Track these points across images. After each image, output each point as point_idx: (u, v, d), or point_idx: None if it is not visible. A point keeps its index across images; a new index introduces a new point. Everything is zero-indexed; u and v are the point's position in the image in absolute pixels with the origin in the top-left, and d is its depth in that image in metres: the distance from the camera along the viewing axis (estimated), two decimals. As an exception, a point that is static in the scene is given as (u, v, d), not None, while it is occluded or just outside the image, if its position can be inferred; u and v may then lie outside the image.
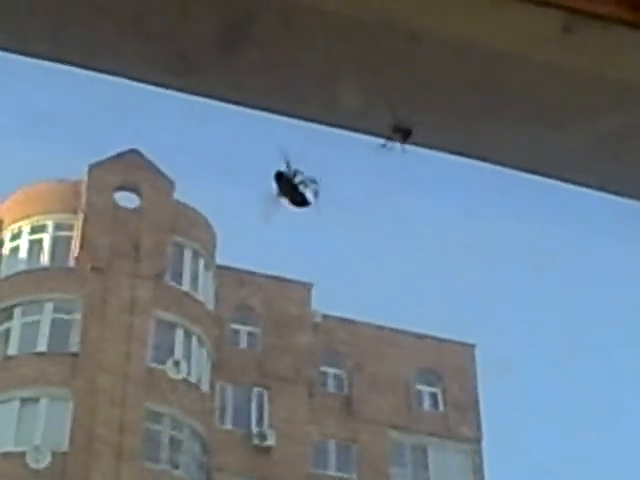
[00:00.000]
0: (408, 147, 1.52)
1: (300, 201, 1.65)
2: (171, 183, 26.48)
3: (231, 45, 1.56)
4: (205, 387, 25.86)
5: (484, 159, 1.49)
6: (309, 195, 1.64)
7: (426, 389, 28.95)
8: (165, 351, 25.31)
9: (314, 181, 1.60)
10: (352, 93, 1.56)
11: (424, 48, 1.46)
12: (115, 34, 1.54)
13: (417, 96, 1.53)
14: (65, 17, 1.52)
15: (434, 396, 29.01)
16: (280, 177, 1.60)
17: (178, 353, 25.40)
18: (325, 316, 27.99)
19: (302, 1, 1.46)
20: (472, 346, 28.90)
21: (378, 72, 1.54)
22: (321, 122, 1.58)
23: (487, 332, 29.60)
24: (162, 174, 26.35)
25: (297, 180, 1.61)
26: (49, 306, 25.07)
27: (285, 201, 1.61)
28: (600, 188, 1.50)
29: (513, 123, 1.47)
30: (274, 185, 1.60)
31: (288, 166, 1.59)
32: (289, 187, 1.60)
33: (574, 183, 1.50)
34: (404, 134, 1.53)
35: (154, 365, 25.00)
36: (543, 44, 1.37)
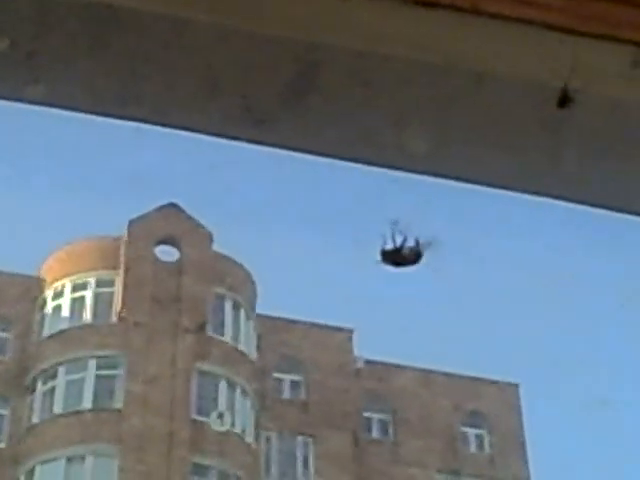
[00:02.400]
0: (480, 189, 1.54)
1: (410, 262, 1.64)
2: (209, 235, 26.62)
3: (298, 95, 1.58)
4: (250, 438, 25.80)
5: (558, 197, 1.50)
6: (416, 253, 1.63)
7: (471, 431, 28.72)
8: (209, 403, 25.30)
9: (417, 243, 1.59)
10: (421, 137, 1.58)
11: (491, 88, 1.48)
12: (186, 92, 1.57)
13: (484, 137, 1.55)
14: (136, 78, 1.55)
15: (480, 438, 28.77)
16: (387, 255, 1.60)
17: (222, 405, 25.39)
18: (368, 361, 27.89)
19: (366, 48, 1.48)
20: (516, 385, 28.66)
21: (443, 113, 1.56)
22: (392, 167, 1.60)
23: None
24: (200, 226, 26.50)
25: (405, 251, 1.61)
26: (92, 363, 25.16)
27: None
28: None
29: (584, 159, 1.48)
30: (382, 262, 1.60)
31: (394, 241, 1.58)
32: (396, 259, 1.60)
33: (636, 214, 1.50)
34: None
35: (198, 417, 24.99)
36: (611, 79, 1.39)
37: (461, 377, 28.44)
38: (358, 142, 1.61)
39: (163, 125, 1.62)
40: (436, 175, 1.60)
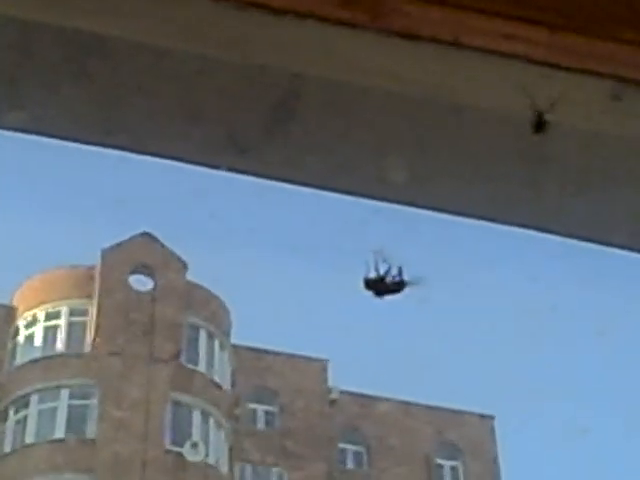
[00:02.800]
0: (460, 219, 1.54)
1: (397, 290, 1.64)
2: (184, 264, 26.56)
3: (279, 124, 1.59)
4: (224, 468, 25.67)
5: (538, 229, 1.51)
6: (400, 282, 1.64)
7: (447, 463, 28.67)
8: (183, 433, 25.16)
9: (400, 272, 1.60)
10: (399, 167, 1.59)
11: (471, 121, 1.49)
12: (168, 120, 1.57)
13: (464, 168, 1.56)
14: (120, 107, 1.55)
15: (455, 470, 28.73)
16: (370, 284, 1.60)
17: (196, 435, 25.25)
18: (342, 392, 27.84)
19: (347, 79, 1.49)
20: (491, 417, 28.67)
21: (423, 144, 1.57)
22: (372, 197, 1.60)
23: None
24: (175, 256, 26.45)
25: (388, 280, 1.61)
26: (65, 392, 24.99)
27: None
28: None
29: (564, 191, 1.49)
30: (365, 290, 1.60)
31: (377, 270, 1.59)
32: (379, 288, 1.60)
33: (629, 249, 1.51)
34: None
35: (172, 448, 24.84)
36: (592, 113, 1.40)
37: (437, 409, 28.41)
38: (338, 172, 1.62)
39: (145, 154, 1.62)
40: (416, 206, 1.60)
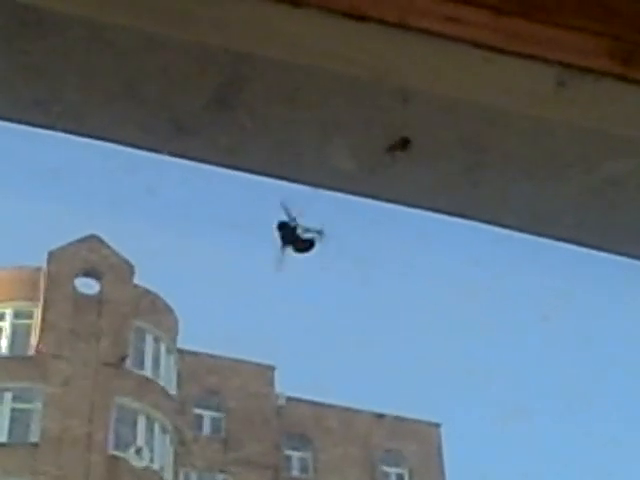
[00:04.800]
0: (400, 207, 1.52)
1: (306, 247, 1.64)
2: (131, 268, 26.39)
3: (221, 109, 1.56)
4: (168, 475, 25.51)
5: (479, 219, 1.49)
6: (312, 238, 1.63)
7: (392, 470, 28.73)
8: (127, 438, 24.98)
9: (320, 232, 1.59)
10: (345, 154, 1.56)
11: (416, 106, 1.47)
12: (105, 99, 1.53)
13: (409, 155, 1.54)
14: (55, 83, 1.51)
15: (400, 477, 28.78)
16: (283, 227, 1.59)
17: (140, 440, 25.09)
18: (289, 398, 27.81)
19: (292, 60, 1.47)
20: (437, 425, 28.78)
21: (370, 131, 1.55)
22: (316, 184, 1.58)
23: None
24: (122, 259, 26.27)
25: (300, 229, 1.61)
26: (8, 395, 24.72)
27: (290, 249, 1.60)
28: (596, 246, 1.50)
29: (506, 180, 1.48)
30: (277, 235, 1.59)
31: (289, 215, 1.58)
32: (293, 236, 1.59)
33: (570, 242, 1.50)
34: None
35: (116, 453, 24.65)
36: (537, 99, 1.39)
37: (383, 416, 28.45)
38: (283, 158, 1.59)
39: (81, 135, 1.58)
40: (360, 194, 1.58)
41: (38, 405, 24.58)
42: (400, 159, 1.55)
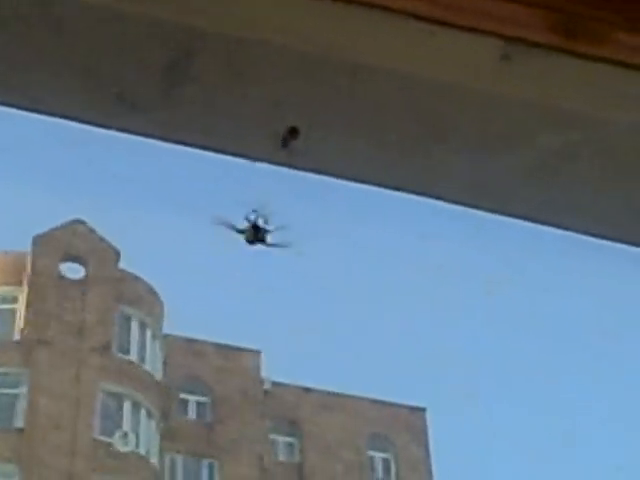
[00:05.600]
0: (341, 182, 1.52)
1: (257, 240, 1.63)
2: (117, 252, 26.36)
3: (171, 84, 1.55)
4: (154, 459, 25.53)
5: (424, 193, 1.49)
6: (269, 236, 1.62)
7: (378, 455, 28.80)
8: (113, 423, 24.99)
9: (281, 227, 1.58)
10: (296, 130, 1.56)
11: (366, 81, 1.47)
12: (52, 74, 1.53)
13: (358, 130, 1.54)
14: (3, 58, 1.51)
15: (386, 462, 28.86)
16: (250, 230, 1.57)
17: (126, 425, 25.09)
18: (275, 383, 27.84)
19: (242, 35, 1.46)
20: (423, 410, 28.85)
21: (321, 109, 1.54)
22: (266, 161, 1.57)
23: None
24: (107, 244, 26.23)
25: (260, 223, 1.58)
26: (-6, 380, 24.69)
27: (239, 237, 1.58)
28: (540, 220, 1.50)
29: (453, 155, 1.47)
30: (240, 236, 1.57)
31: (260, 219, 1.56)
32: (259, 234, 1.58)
33: (515, 216, 1.50)
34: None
35: (102, 437, 24.66)
36: (482, 73, 1.39)
37: (369, 400, 28.51)
38: (232, 134, 1.59)
39: (32, 111, 1.57)
40: (313, 171, 1.58)
41: (23, 390, 24.56)
42: (349, 135, 1.55)
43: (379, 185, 1.57)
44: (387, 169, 1.53)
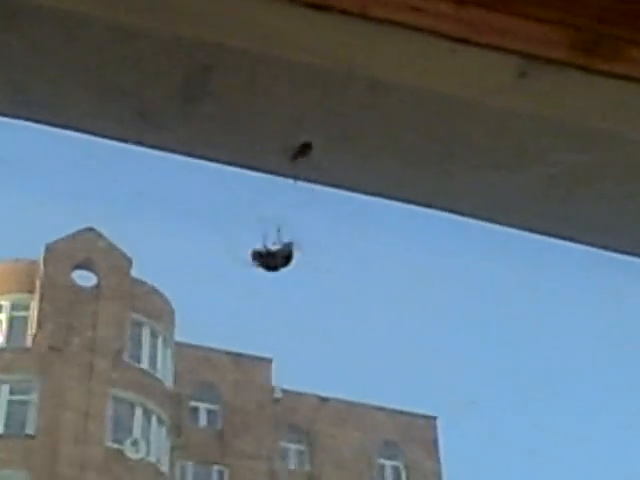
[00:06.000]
0: (367, 198, 1.53)
1: (276, 266, 1.61)
2: (128, 260, 26.40)
3: (190, 100, 1.57)
4: (165, 467, 25.53)
5: (442, 208, 1.50)
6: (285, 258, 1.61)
7: (388, 463, 28.75)
8: (124, 430, 25.01)
9: (289, 245, 1.57)
10: (315, 146, 1.57)
11: (385, 97, 1.48)
12: (76, 90, 1.54)
13: (375, 145, 1.55)
14: (27, 74, 1.52)
15: (396, 470, 28.81)
16: (256, 255, 1.56)
17: (137, 432, 25.11)
18: (285, 391, 27.83)
19: (261, 51, 1.48)
20: (434, 418, 28.81)
21: (340, 123, 1.55)
22: (286, 176, 1.58)
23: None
24: (119, 251, 26.27)
25: (274, 249, 1.57)
26: (5, 388, 24.74)
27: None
28: (556, 235, 1.51)
29: (470, 171, 1.48)
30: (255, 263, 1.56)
31: (264, 244, 1.56)
32: (267, 261, 1.57)
33: (530, 230, 1.51)
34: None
35: (112, 445, 24.67)
36: (499, 89, 1.40)
37: (379, 408, 28.48)
38: (249, 149, 1.60)
39: (53, 125, 1.59)
40: (328, 185, 1.59)
41: (34, 397, 24.59)
42: (367, 151, 1.56)
43: (394, 199, 1.58)
44: (403, 184, 1.55)
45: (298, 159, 1.50)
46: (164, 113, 1.57)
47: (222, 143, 1.61)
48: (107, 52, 1.51)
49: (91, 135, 1.61)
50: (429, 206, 1.53)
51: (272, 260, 1.52)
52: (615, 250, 1.42)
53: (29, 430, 24.31)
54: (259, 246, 1.53)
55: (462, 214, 1.49)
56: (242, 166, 1.61)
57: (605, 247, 1.43)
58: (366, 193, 1.52)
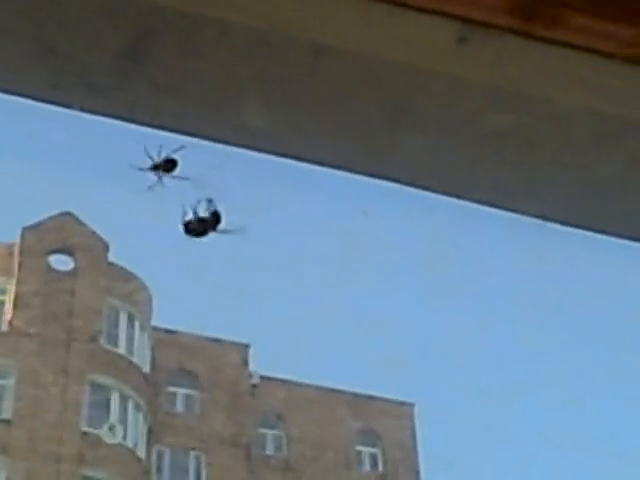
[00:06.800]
0: (300, 164, 1.52)
1: (210, 228, 1.61)
2: (105, 245, 26.31)
3: (131, 64, 1.54)
4: (141, 452, 25.51)
5: (370, 173, 1.49)
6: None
7: (366, 450, 28.82)
8: (100, 415, 24.96)
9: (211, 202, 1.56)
10: (256, 111, 1.55)
11: (326, 61, 1.46)
12: (13, 52, 1.52)
13: (319, 112, 1.53)
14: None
15: (374, 456, 28.88)
16: (187, 225, 1.55)
17: (114, 417, 25.06)
18: (263, 377, 27.83)
19: (202, 15, 1.46)
20: (411, 405, 28.87)
21: (281, 89, 1.54)
22: (225, 142, 1.57)
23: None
24: (96, 236, 26.18)
25: (207, 218, 1.57)
26: (-19, 372, 24.65)
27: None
28: (485, 201, 1.50)
29: (410, 135, 1.47)
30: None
31: (195, 212, 1.55)
32: (197, 228, 1.56)
33: (460, 197, 1.50)
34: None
35: (89, 430, 24.63)
36: (438, 54, 1.38)
37: (356, 395, 28.53)
38: (192, 115, 1.58)
39: (-5, 90, 1.57)
40: (269, 152, 1.57)
41: (11, 382, 24.51)
42: (314, 118, 1.55)
43: (336, 167, 1.56)
44: (345, 150, 1.53)
45: (237, 126, 1.48)
46: (104, 76, 1.55)
47: (164, 109, 1.59)
48: (44, 14, 1.49)
49: (27, 99, 1.59)
50: (368, 174, 1.51)
51: (202, 226, 1.51)
52: (545, 218, 1.41)
53: (5, 415, 24.24)
54: (188, 217, 1.52)
55: (402, 182, 1.48)
56: (182, 132, 1.59)
57: (543, 217, 1.42)
58: (307, 161, 1.50)
